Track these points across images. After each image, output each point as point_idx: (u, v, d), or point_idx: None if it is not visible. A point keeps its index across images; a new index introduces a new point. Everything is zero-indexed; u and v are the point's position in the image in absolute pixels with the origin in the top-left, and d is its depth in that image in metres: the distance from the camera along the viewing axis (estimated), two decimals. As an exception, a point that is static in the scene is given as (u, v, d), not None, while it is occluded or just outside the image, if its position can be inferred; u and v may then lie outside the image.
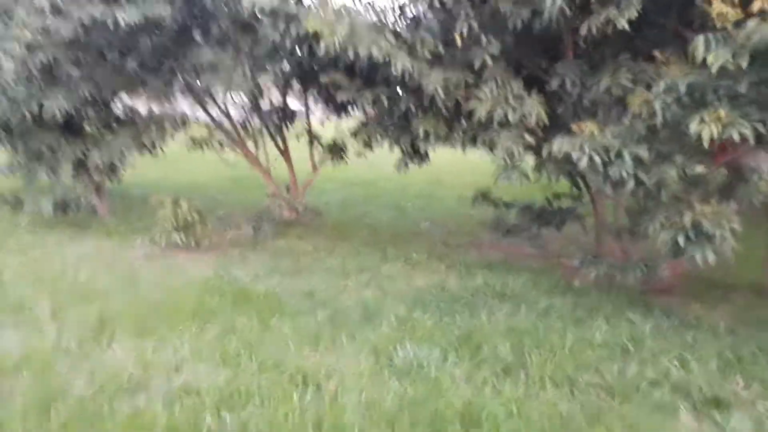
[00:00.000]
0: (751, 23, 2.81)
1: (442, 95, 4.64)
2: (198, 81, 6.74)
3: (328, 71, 4.99)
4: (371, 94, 4.81)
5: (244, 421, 2.79)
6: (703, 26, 3.26)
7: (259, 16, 4.65)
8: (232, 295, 4.54)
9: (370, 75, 4.81)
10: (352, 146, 7.46)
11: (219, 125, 7.50)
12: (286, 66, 5.70)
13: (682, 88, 3.36)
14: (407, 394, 3.15)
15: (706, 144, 3.29)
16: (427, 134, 4.92)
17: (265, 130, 7.61)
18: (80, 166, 6.45)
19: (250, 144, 7.67)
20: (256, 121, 7.54)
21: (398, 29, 4.46)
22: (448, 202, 10.28)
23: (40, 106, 5.52)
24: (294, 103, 7.83)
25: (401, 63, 4.31)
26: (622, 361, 3.84)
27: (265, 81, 6.65)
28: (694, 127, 3.27)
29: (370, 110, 5.64)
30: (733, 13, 2.83)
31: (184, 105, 7.25)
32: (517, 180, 4.82)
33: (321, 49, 4.25)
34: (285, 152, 7.82)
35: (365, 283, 5.23)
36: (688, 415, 3.24)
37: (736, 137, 3.12)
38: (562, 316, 4.61)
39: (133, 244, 6.01)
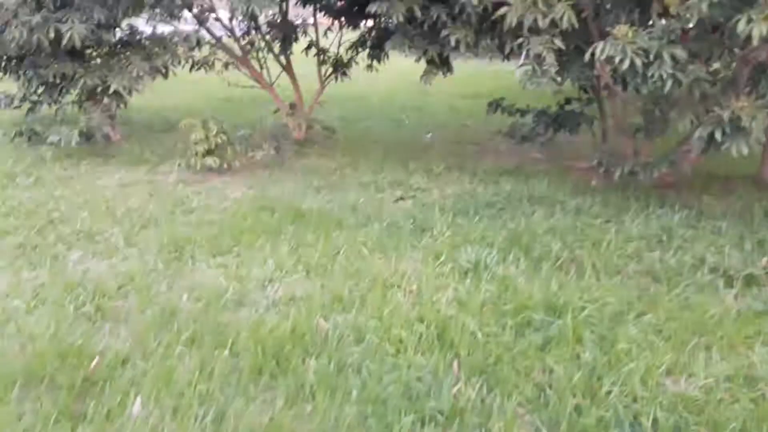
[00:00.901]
0: None
1: (474, 2, 4.66)
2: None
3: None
4: (404, 4, 4.77)
5: (353, 323, 3.03)
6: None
7: None
8: (285, 213, 4.67)
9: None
10: (362, 60, 7.41)
11: (221, 44, 7.29)
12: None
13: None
14: (487, 289, 3.43)
15: (755, 42, 3.48)
16: (458, 43, 4.96)
17: (268, 47, 7.43)
18: (92, 93, 6.27)
19: (253, 62, 7.50)
20: (258, 38, 7.34)
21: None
22: (439, 114, 10.39)
23: (57, 32, 5.27)
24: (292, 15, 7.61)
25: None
26: (660, 250, 4.20)
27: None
28: (742, 26, 3.43)
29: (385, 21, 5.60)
30: None
31: (184, 24, 6.99)
32: (547, 85, 4.97)
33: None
34: (288, 69, 7.70)
35: (401, 196, 5.42)
36: (728, 292, 3.62)
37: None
38: (595, 214, 4.93)
39: (163, 170, 6.00)
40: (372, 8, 4.86)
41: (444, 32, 5.01)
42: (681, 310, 3.31)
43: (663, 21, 4.25)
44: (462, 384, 2.59)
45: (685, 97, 4.54)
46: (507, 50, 5.15)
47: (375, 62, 7.28)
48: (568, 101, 6.59)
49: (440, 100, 10.94)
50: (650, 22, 4.80)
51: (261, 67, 7.60)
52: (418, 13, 4.84)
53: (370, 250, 4.01)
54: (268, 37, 7.32)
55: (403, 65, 8.43)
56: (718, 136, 4.02)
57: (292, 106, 7.77)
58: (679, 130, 4.69)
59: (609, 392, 2.56)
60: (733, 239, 4.38)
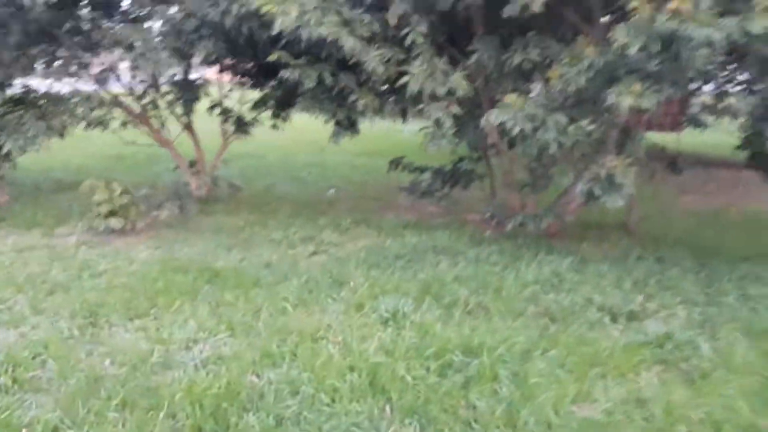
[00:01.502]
0: (661, 17, 3.60)
1: (379, 71, 5.07)
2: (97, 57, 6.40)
3: (266, 49, 5.14)
4: (315, 71, 5.07)
5: (286, 377, 3.10)
6: (613, 13, 4.05)
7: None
8: (199, 273, 4.64)
9: (311, 52, 5.06)
10: (264, 118, 7.59)
11: (119, 103, 7.17)
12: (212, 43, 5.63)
13: (600, 65, 4.13)
14: (408, 336, 3.65)
15: (624, 112, 4.13)
16: (365, 107, 5.32)
17: (169, 106, 7.41)
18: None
19: (153, 121, 7.43)
20: (159, 96, 7.31)
21: (340, 9, 4.74)
22: (340, 170, 10.75)
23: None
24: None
25: (348, 42, 4.64)
26: (554, 292, 4.67)
27: (197, 59, 6.50)
28: (613, 97, 4.07)
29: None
30: (649, 9, 3.61)
31: (79, 83, 6.81)
32: (446, 145, 5.45)
33: (275, 28, 4.44)
34: (189, 127, 7.70)
35: (313, 251, 5.56)
36: (615, 327, 4.12)
37: (646, 106, 3.97)
38: (493, 262, 5.37)
39: (61, 233, 5.70)
40: (284, 75, 5.11)
41: (352, 97, 5.36)
42: (578, 345, 3.71)
43: (544, 90, 4.86)
44: (396, 426, 2.75)
45: (566, 156, 5.18)
46: (409, 114, 5.59)
47: (278, 121, 7.49)
48: (461, 159, 7.17)
49: (340, 158, 11.30)
50: (533, 92, 5.48)
51: (162, 125, 7.54)
52: (328, 80, 5.17)
53: (292, 306, 4.10)
54: (169, 96, 7.32)
55: (300, 123, 8.69)
56: (596, 190, 4.61)
57: (193, 163, 7.73)
58: (562, 185, 5.30)
59: (526, 422, 2.84)
60: (613, 281, 4.97)
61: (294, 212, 6.94)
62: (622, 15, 3.98)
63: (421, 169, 7.07)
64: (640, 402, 3.09)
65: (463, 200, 8.01)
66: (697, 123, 8.42)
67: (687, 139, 12.82)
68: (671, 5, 3.50)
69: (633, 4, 3.70)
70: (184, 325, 3.69)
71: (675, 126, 11.95)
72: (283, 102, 6.92)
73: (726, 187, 10.09)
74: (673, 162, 7.63)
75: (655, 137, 14.51)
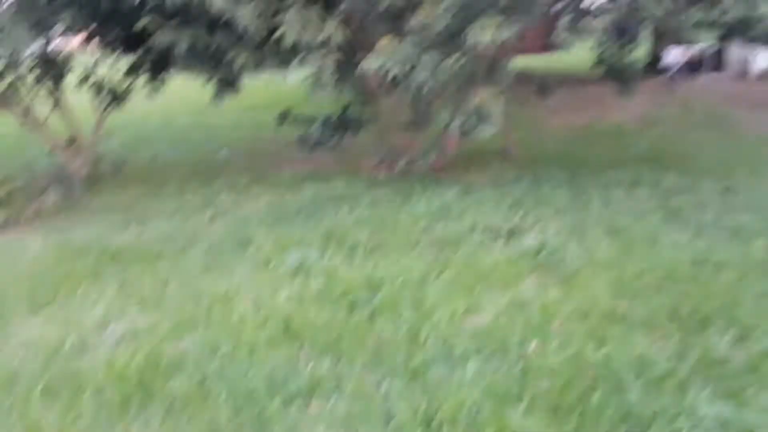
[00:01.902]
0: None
1: (252, 27, 5.07)
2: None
3: (134, 14, 4.95)
4: (187, 34, 4.98)
5: (203, 340, 3.27)
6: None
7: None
8: (99, 254, 4.60)
9: (181, 15, 4.95)
10: (139, 87, 7.30)
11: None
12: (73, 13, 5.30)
13: (460, 3, 4.42)
14: (315, 282, 3.91)
15: (482, 46, 4.46)
16: (243, 64, 5.32)
17: (33, 84, 6.93)
18: None
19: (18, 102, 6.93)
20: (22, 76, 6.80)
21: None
22: (227, 129, 10.58)
23: None
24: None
25: (217, 1, 4.59)
26: (444, 221, 5.08)
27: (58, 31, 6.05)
28: (473, 33, 4.38)
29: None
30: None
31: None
32: (330, 92, 5.60)
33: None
34: (61, 104, 7.27)
35: (213, 215, 5.61)
36: (498, 245, 4.58)
37: (504, 37, 4.32)
38: (388, 202, 5.71)
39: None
40: (156, 40, 4.97)
41: (228, 56, 5.32)
42: (467, 265, 4.14)
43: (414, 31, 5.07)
44: (313, 363, 3.03)
45: (442, 93, 5.49)
46: (290, 66, 5.65)
47: (154, 87, 7.25)
48: (348, 106, 7.33)
49: (226, 116, 11.07)
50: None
51: (29, 107, 7.06)
52: (202, 41, 5.09)
53: (200, 272, 4.22)
54: (33, 74, 6.83)
55: (179, 85, 8.42)
56: (468, 123, 4.99)
57: (71, 141, 7.35)
58: (436, 121, 5.66)
59: (425, 339, 3.21)
60: (494, 203, 5.47)
61: (186, 178, 6.87)
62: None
63: (310, 120, 7.18)
64: (521, 305, 3.55)
65: (356, 146, 8.25)
66: (560, 45, 9.03)
67: (556, 61, 13.71)
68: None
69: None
70: (93, 307, 3.72)
71: (543, 49, 12.65)
72: (157, 67, 6.69)
73: (592, 103, 10.97)
74: (542, 85, 8.22)
75: (527, 61, 15.39)
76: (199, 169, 7.53)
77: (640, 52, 12.75)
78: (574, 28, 7.50)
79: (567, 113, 10.80)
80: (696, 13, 5.17)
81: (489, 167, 7.02)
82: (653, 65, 14.29)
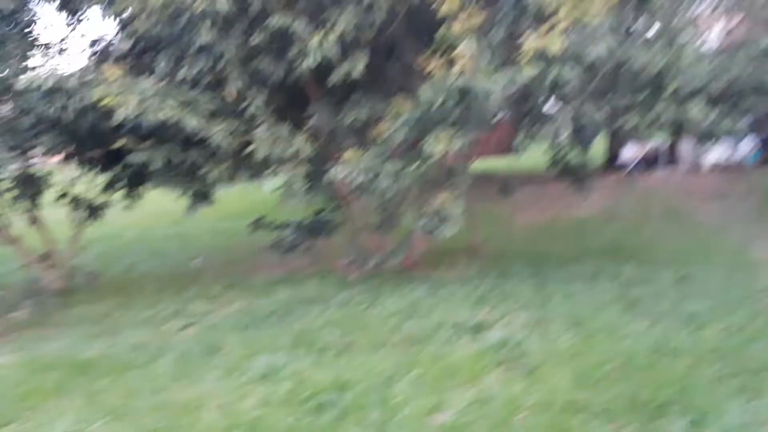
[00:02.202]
0: (452, 77, 4.36)
1: (225, 144, 5.42)
2: None
3: (111, 136, 5.28)
4: (163, 152, 5.30)
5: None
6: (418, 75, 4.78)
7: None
8: (68, 367, 4.59)
9: (156, 134, 5.29)
10: (116, 200, 7.54)
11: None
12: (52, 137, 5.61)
13: (414, 119, 4.83)
14: (284, 386, 3.95)
15: (437, 155, 4.84)
16: (216, 178, 5.62)
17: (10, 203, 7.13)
18: None
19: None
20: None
21: (179, 92, 5.05)
22: (203, 238, 10.78)
23: None
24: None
25: (191, 122, 4.95)
26: (413, 319, 5.21)
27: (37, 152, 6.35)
28: (428, 145, 4.76)
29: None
30: (442, 71, 4.36)
31: None
32: (300, 201, 5.88)
33: (115, 118, 4.64)
34: (37, 220, 7.44)
35: (185, 324, 5.66)
36: (466, 339, 4.70)
37: (454, 148, 4.71)
38: (359, 302, 5.84)
39: None
40: (133, 159, 5.27)
41: (202, 171, 5.63)
42: (434, 362, 4.23)
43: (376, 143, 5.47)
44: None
45: (405, 197, 5.81)
46: (262, 177, 5.96)
47: (131, 200, 7.50)
48: (320, 211, 7.63)
49: (202, 225, 11.32)
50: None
51: (6, 224, 7.22)
52: (177, 158, 5.41)
53: (169, 381, 4.23)
54: (11, 193, 7.05)
55: (155, 196, 8.68)
56: (431, 224, 5.27)
57: (46, 256, 7.45)
58: (403, 223, 5.94)
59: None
60: (462, 299, 5.64)
61: (160, 288, 6.95)
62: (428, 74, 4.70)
63: (283, 226, 7.42)
64: (485, 400, 3.63)
65: (328, 249, 8.47)
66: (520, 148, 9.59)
67: (520, 162, 14.41)
68: (457, 67, 4.26)
69: (430, 67, 4.43)
70: (60, 419, 3.69)
71: (507, 151, 13.30)
72: (134, 181, 6.98)
73: (555, 200, 11.46)
74: (504, 184, 8.67)
75: (491, 163, 16.15)
76: (173, 279, 7.63)
77: (598, 150, 13.60)
78: (531, 132, 8.01)
79: (532, 210, 11.29)
80: (633, 117, 5.64)
81: (457, 264, 7.24)
82: (611, 162, 15.14)
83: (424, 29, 4.97)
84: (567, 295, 5.68)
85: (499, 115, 6.56)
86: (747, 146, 13.60)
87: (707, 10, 12.96)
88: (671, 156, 14.94)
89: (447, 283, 6.23)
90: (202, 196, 6.33)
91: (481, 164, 16.62)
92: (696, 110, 5.36)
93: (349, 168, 5.21)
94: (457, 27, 4.37)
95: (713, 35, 14.70)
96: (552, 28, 4.38)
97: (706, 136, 5.78)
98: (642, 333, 4.58)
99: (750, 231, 8.42)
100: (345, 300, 5.94)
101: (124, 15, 5.33)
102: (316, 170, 5.95)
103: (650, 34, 6.76)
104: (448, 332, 4.85)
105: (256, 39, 5.13)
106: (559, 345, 4.45)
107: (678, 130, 5.90)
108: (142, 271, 8.47)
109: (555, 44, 4.29)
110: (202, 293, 6.63)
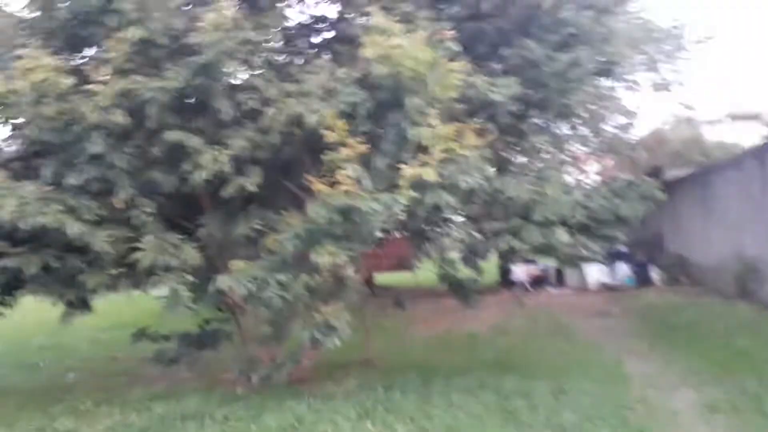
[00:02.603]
0: (337, 196, 4.68)
1: (108, 251, 5.33)
2: None
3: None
4: (38, 257, 5.12)
5: None
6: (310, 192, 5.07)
7: None
8: None
9: (35, 239, 5.13)
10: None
11: None
12: None
13: (303, 232, 5.05)
14: None
15: (322, 268, 5.01)
16: (96, 286, 5.45)
17: None
18: None
19: None
20: None
21: (63, 197, 5.01)
22: (81, 349, 10.11)
23: None
24: None
25: (73, 228, 4.88)
26: (293, 436, 5.11)
27: None
28: (314, 257, 4.95)
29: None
30: (328, 190, 4.68)
31: None
32: (184, 311, 5.77)
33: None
34: None
35: (45, 444, 5.20)
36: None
37: (338, 261, 4.93)
38: (239, 418, 5.64)
39: None
40: (6, 264, 5.04)
41: (80, 278, 5.45)
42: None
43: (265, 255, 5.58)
44: None
45: (295, 308, 5.86)
46: (145, 286, 5.84)
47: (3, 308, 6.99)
48: (207, 321, 7.46)
49: (81, 335, 10.60)
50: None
51: None
52: (54, 264, 5.23)
53: None
54: None
55: (33, 304, 8.18)
56: (317, 335, 5.32)
57: None
58: (291, 334, 5.95)
59: None
60: (346, 413, 5.59)
61: (22, 404, 6.37)
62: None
63: (167, 337, 7.16)
64: None
65: (216, 361, 8.20)
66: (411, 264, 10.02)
67: (419, 277, 14.91)
68: (342, 187, 4.60)
69: (316, 186, 4.74)
70: None
71: (406, 266, 13.73)
72: (6, 288, 6.56)
73: (450, 313, 11.80)
74: (397, 298, 8.94)
75: (390, 278, 16.57)
76: (41, 393, 7.02)
77: (491, 268, 14.37)
78: (423, 250, 8.45)
79: (428, 323, 11.56)
80: (507, 240, 6.16)
81: (348, 377, 7.21)
82: (504, 279, 15.99)
83: (316, 151, 5.32)
84: (450, 406, 5.79)
85: (389, 234, 6.92)
86: (625, 270, 14.89)
87: (581, 150, 14.69)
88: (559, 276, 16.02)
89: (333, 398, 6.17)
90: (80, 303, 6.05)
91: (383, 279, 17.12)
92: (560, 237, 5.95)
93: (235, 278, 5.24)
94: (342, 153, 4.76)
95: (589, 173, 16.57)
96: (428, 160, 4.87)
97: (570, 261, 6.36)
98: (515, 444, 4.74)
99: (625, 347, 9.08)
100: (225, 416, 5.72)
101: (16, 121, 5.34)
102: (204, 280, 5.92)
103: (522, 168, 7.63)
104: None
105: (150, 152, 5.28)
106: (438, 459, 4.50)
107: (547, 254, 6.47)
108: (7, 385, 7.73)
109: (430, 174, 4.75)
110: (71, 409, 6.14)
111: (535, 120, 7.50)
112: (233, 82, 5.59)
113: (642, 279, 14.57)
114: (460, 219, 7.54)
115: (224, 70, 5.23)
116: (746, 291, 10.41)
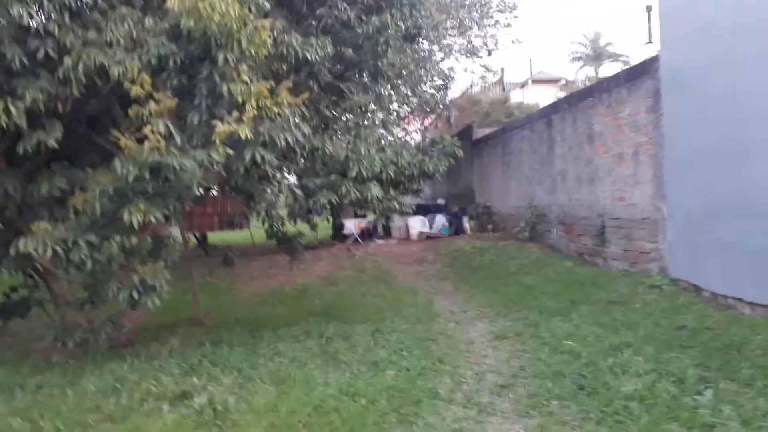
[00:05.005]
0: (145, 152, 4.61)
1: None
2: None
3: None
4: None
5: None
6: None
7: None
8: None
9: None
10: None
11: None
12: None
13: (111, 191, 4.90)
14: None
15: (135, 226, 4.93)
16: None
17: None
18: None
19: None
20: None
21: None
22: None
23: None
24: None
25: None
26: (114, 396, 5.05)
27: None
28: (126, 216, 4.85)
29: None
30: (135, 146, 4.58)
31: None
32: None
33: None
34: None
35: None
36: (168, 410, 4.75)
37: (152, 219, 4.89)
38: (54, 385, 5.43)
39: None
40: None
41: None
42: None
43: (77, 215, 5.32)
44: None
45: (108, 269, 5.69)
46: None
47: None
48: (13, 289, 6.91)
49: None
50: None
51: None
52: None
53: None
54: None
55: None
56: (134, 295, 5.27)
57: None
58: (110, 297, 5.80)
59: None
60: (170, 370, 5.63)
61: None
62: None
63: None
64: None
65: (28, 330, 7.65)
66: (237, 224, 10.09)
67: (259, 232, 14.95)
68: (150, 144, 4.54)
69: (122, 142, 4.63)
70: None
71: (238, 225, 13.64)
72: None
73: (285, 269, 12.11)
74: (226, 255, 8.97)
75: (223, 237, 16.38)
76: None
77: (325, 223, 14.84)
78: (253, 207, 8.53)
79: (261, 279, 11.74)
80: (327, 195, 6.52)
81: (176, 336, 7.19)
82: (337, 234, 16.61)
83: (126, 105, 5.14)
84: (275, 355, 6.09)
85: (209, 191, 6.92)
86: (441, 221, 16.26)
87: (406, 110, 15.57)
88: (386, 229, 17.03)
89: (157, 357, 6.16)
90: None
91: (218, 238, 16.82)
92: (374, 191, 6.45)
93: (41, 240, 4.97)
94: (150, 108, 4.67)
95: (410, 131, 17.67)
96: (241, 116, 4.96)
97: (384, 213, 6.93)
98: (332, 381, 5.18)
99: (435, 288, 10.11)
100: (38, 384, 5.47)
101: None
102: (6, 242, 5.50)
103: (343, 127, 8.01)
104: (153, 404, 4.84)
105: None
106: (259, 401, 4.79)
107: (363, 207, 6.96)
108: None
109: (243, 131, 4.86)
110: None
111: (355, 80, 7.88)
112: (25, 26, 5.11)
113: (456, 228, 16.07)
114: (288, 177, 7.76)
115: (10, 11, 4.75)
116: (536, 235, 12.06)
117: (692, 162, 7.02)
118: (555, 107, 11.56)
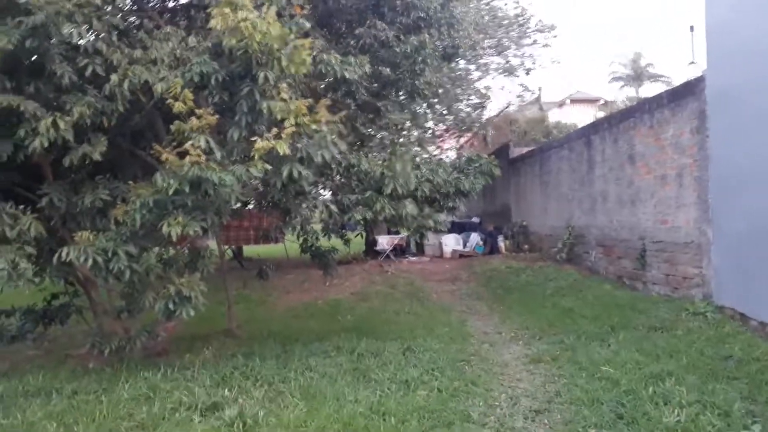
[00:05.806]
0: (186, 166, 4.70)
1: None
2: None
3: None
4: None
5: None
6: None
7: None
8: None
9: None
10: None
11: None
12: None
13: (151, 203, 5.01)
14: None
15: (174, 238, 5.02)
16: None
17: None
18: None
19: None
20: None
21: None
22: None
23: None
24: None
25: None
26: (148, 405, 5.11)
27: None
28: (165, 228, 4.95)
29: None
30: (176, 160, 4.68)
31: None
32: (25, 286, 5.49)
33: None
34: None
35: None
36: (198, 420, 4.78)
37: (191, 232, 4.97)
38: (90, 391, 5.52)
39: None
40: None
41: None
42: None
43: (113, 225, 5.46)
44: None
45: (146, 280, 5.81)
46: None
47: None
48: (55, 296, 7.10)
49: None
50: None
51: None
52: None
53: None
54: None
55: None
56: (170, 306, 5.35)
57: None
58: (146, 307, 5.90)
59: None
60: (202, 381, 5.68)
61: None
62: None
63: (7, 312, 6.74)
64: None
65: (67, 336, 7.84)
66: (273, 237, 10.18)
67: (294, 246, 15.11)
68: (191, 158, 4.64)
69: (164, 156, 4.74)
70: None
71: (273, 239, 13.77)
72: None
73: (319, 283, 12.16)
74: (260, 269, 9.04)
75: (259, 250, 16.54)
76: None
77: (359, 239, 14.87)
78: (288, 222, 8.62)
79: (294, 293, 11.80)
80: (361, 211, 6.52)
81: (210, 347, 7.26)
82: (370, 249, 16.62)
83: (168, 121, 5.27)
84: (306, 369, 6.09)
85: (247, 205, 7.01)
86: (475, 239, 16.11)
87: (441, 128, 15.57)
88: (419, 246, 16.96)
89: (190, 367, 6.21)
90: None
91: (254, 251, 17.05)
92: (408, 209, 6.43)
93: (79, 249, 5.10)
94: (192, 123, 4.78)
95: (445, 149, 17.66)
96: (280, 133, 5.03)
97: (418, 231, 6.89)
98: (363, 398, 5.15)
99: (469, 308, 9.98)
100: (74, 390, 5.57)
101: None
102: (47, 252, 5.67)
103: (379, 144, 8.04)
104: (183, 414, 4.88)
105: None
106: (289, 415, 4.78)
107: (397, 224, 6.94)
108: None
109: (281, 147, 4.93)
110: None
111: (392, 98, 7.92)
112: (75, 44, 5.31)
113: (491, 247, 15.88)
114: (324, 192, 7.82)
115: (61, 31, 4.95)
116: (573, 256, 11.81)
117: (740, 184, 6.78)
118: (595, 127, 11.38)
